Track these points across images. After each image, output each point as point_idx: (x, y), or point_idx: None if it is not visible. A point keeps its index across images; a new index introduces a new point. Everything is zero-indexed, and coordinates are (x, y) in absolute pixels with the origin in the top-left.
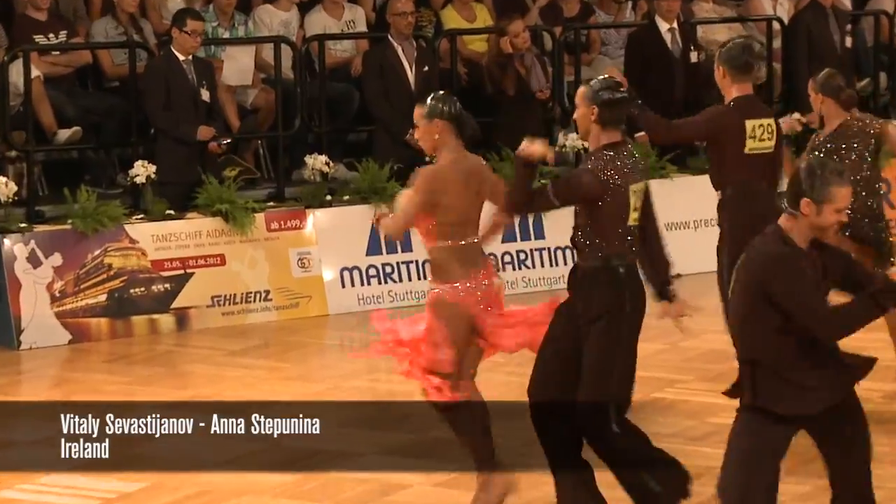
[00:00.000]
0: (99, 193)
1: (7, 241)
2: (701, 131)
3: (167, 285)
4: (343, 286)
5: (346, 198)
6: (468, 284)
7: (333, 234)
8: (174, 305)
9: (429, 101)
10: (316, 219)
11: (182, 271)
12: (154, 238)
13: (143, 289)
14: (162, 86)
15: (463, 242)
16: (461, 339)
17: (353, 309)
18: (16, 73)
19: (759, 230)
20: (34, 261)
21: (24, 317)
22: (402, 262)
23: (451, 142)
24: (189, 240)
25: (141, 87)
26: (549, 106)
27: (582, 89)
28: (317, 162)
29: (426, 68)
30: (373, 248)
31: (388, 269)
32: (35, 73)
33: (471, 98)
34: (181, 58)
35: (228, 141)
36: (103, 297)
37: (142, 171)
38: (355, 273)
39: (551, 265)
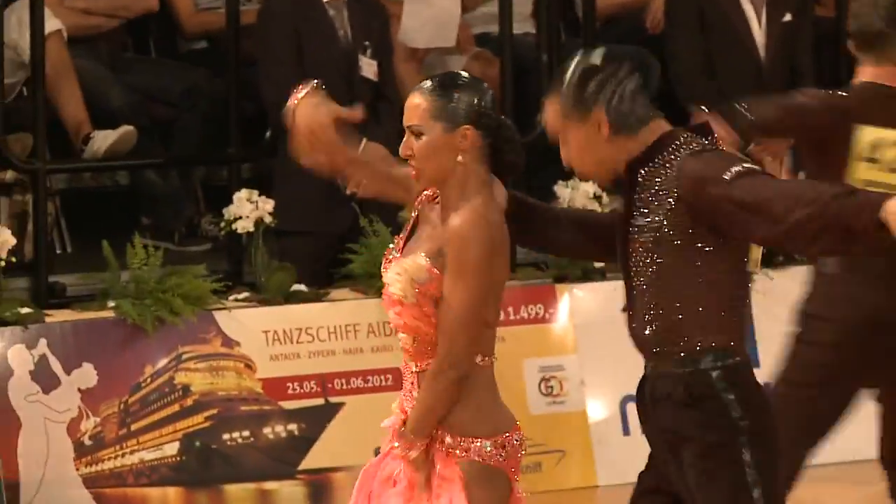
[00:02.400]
0: (168, 252)
1: None
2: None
3: (293, 427)
4: (626, 433)
5: None
6: (510, 437)
7: (605, 331)
8: (306, 465)
9: (437, 85)
10: (575, 302)
11: (322, 400)
12: (269, 337)
13: (246, 433)
14: (291, 49)
15: (491, 360)
16: None
17: None
18: (17, 25)
19: None
20: (45, 378)
21: (24, 484)
22: None
23: (479, 169)
24: (335, 341)
25: (249, 52)
26: None
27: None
28: (578, 194)
29: (786, 17)
30: None
31: None
32: (54, 25)
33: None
34: None
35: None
36: (173, 449)
37: (248, 209)
38: None
39: None
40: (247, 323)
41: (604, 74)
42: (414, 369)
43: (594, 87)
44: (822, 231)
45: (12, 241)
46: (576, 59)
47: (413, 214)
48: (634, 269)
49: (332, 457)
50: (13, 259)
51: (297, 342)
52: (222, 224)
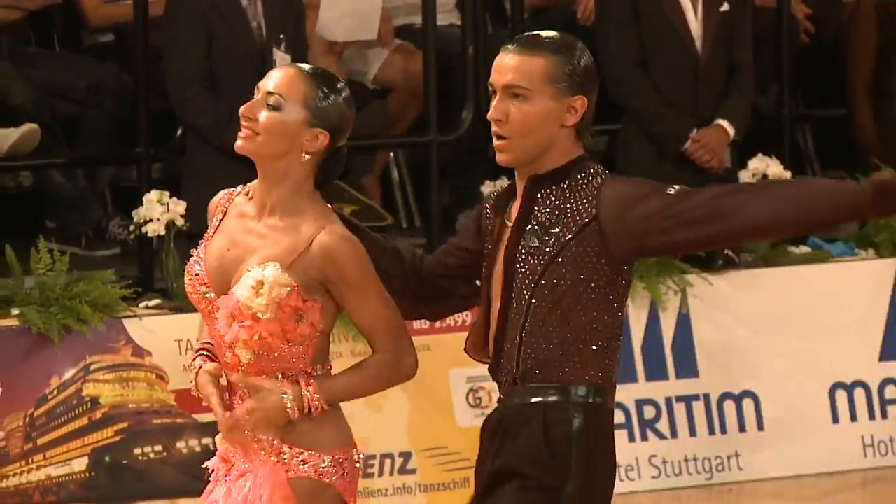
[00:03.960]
0: (74, 257)
1: None
2: None
3: (208, 441)
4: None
5: None
6: (350, 454)
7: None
8: None
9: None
10: None
11: None
12: (183, 346)
13: (159, 448)
14: (200, 41)
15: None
16: None
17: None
18: None
19: None
20: None
21: None
22: (680, 398)
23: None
24: None
25: (159, 46)
26: None
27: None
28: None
29: (723, 6)
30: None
31: (651, 413)
32: None
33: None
34: None
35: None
36: (82, 465)
37: (158, 211)
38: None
39: None
40: (158, 331)
41: (595, 73)
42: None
43: (591, 76)
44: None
45: None
46: (576, 41)
47: (219, 212)
48: (511, 292)
49: None
50: None
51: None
52: (132, 227)
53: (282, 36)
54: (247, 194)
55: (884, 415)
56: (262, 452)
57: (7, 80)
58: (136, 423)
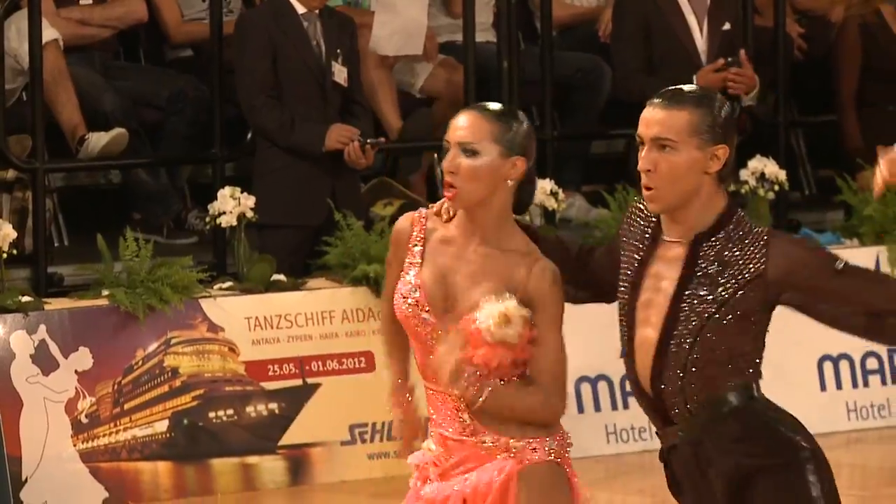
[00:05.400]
0: (157, 244)
1: None
2: None
3: (274, 406)
4: (581, 410)
5: None
6: (564, 435)
7: (568, 319)
8: (285, 442)
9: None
10: None
11: (299, 381)
12: (251, 323)
13: (230, 411)
14: (266, 56)
15: None
16: None
17: (599, 451)
18: (17, 34)
19: None
20: (45, 361)
21: (26, 459)
22: None
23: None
24: (312, 326)
25: (230, 59)
26: None
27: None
28: (536, 189)
29: (725, 25)
30: None
31: None
32: (51, 34)
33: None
34: (300, 9)
35: (379, 144)
36: (163, 427)
37: (231, 205)
38: (601, 388)
39: None
40: (230, 310)
41: (734, 120)
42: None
43: (730, 125)
44: None
45: (13, 234)
46: (715, 94)
47: (417, 240)
48: (674, 331)
49: (309, 433)
50: (14, 251)
51: (277, 328)
52: (207, 219)
53: (338, 51)
54: (440, 216)
55: (865, 383)
56: (484, 453)
57: (99, 90)
58: (211, 390)
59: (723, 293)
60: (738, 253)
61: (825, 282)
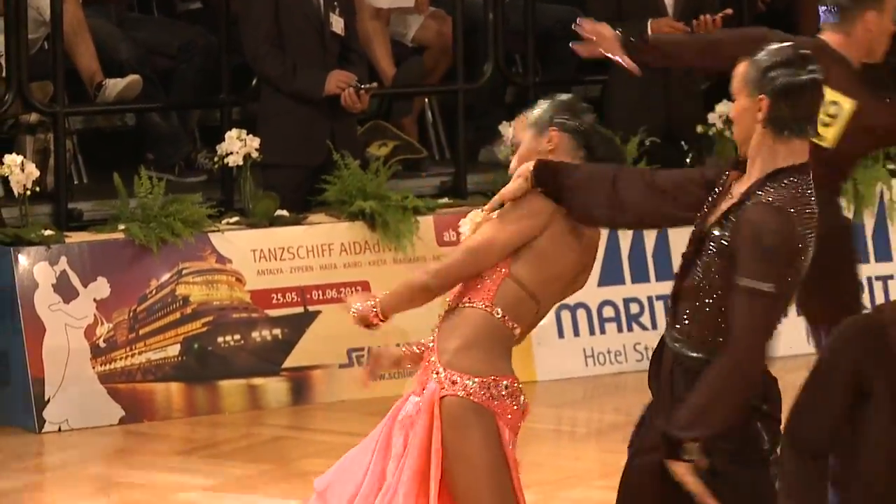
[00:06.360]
0: (169, 182)
1: (23, 259)
2: None
3: (277, 331)
4: (561, 336)
5: None
6: (498, 381)
7: None
8: (288, 364)
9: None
10: None
11: (301, 309)
12: (256, 255)
13: (237, 336)
14: (270, 8)
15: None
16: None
17: (578, 373)
18: None
19: None
20: (66, 290)
21: (49, 380)
22: (659, 297)
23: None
24: (313, 258)
25: (236, 11)
26: None
27: (742, 66)
28: None
29: None
30: (610, 275)
31: (636, 309)
32: None
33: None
34: None
35: (373, 89)
36: (175, 350)
37: (237, 146)
38: (580, 315)
39: None
40: (237, 243)
41: (786, 71)
42: None
43: (773, 76)
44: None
45: (36, 173)
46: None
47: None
48: (694, 267)
49: (310, 357)
50: (37, 189)
51: (280, 259)
52: (215, 159)
53: (335, 3)
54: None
55: None
56: (431, 373)
57: (115, 40)
58: (219, 317)
59: (726, 236)
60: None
61: (733, 281)
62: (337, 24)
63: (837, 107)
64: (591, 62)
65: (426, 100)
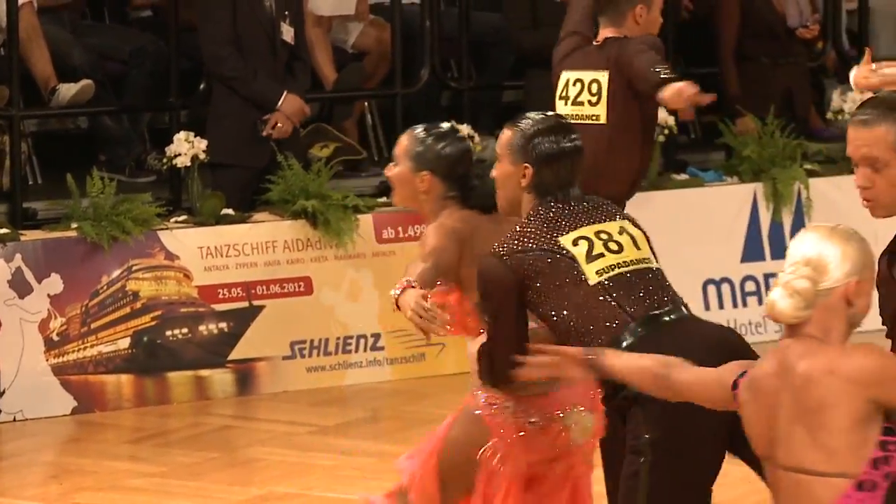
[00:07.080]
0: (120, 182)
1: None
2: None
3: (223, 325)
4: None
5: None
6: (500, 400)
7: None
8: (234, 357)
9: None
10: None
11: (246, 303)
12: (203, 252)
13: (185, 330)
14: (228, 9)
15: None
16: None
17: None
18: None
19: None
20: (20, 286)
21: (4, 372)
22: None
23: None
24: (257, 255)
25: (187, 19)
26: (816, 50)
27: (507, 132)
28: None
29: None
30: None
31: None
32: None
33: (693, 39)
34: None
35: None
36: (125, 343)
37: (185, 148)
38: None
39: None
40: (185, 240)
41: (549, 139)
42: None
43: (537, 143)
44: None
45: None
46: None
47: None
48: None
49: (254, 349)
50: None
51: (226, 256)
52: (164, 160)
53: (286, 12)
54: None
55: (744, 304)
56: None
57: (69, 46)
58: (168, 312)
59: None
60: None
61: None
62: (287, 32)
63: (598, 83)
64: (521, 66)
65: (366, 103)
